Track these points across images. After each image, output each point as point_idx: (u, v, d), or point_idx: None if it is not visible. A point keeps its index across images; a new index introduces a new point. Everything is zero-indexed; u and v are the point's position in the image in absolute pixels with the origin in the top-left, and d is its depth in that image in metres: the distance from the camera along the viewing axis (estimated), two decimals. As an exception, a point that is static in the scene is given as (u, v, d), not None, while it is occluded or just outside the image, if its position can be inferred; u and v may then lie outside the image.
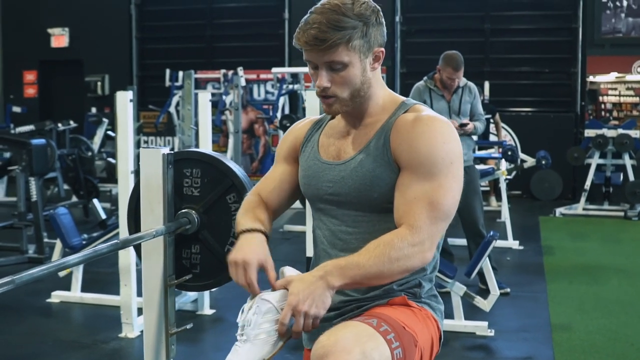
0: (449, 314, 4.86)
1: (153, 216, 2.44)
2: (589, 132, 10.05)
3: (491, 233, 4.87)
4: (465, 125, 5.55)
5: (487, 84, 11.57)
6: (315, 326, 1.87)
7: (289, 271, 2.01)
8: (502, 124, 10.76)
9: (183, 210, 2.53)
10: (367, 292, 2.05)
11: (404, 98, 2.12)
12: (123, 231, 4.72)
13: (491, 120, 10.27)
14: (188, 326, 2.51)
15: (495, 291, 4.83)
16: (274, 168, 2.30)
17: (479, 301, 4.84)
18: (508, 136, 11.43)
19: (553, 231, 8.65)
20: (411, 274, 2.04)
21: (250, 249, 2.04)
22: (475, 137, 6.08)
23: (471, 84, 5.78)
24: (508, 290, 5.66)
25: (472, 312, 4.98)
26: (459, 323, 4.83)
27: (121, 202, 4.66)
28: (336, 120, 2.18)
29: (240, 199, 2.48)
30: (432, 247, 1.91)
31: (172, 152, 2.51)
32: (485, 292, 5.27)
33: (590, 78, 11.95)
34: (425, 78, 5.71)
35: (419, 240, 1.88)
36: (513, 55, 11.95)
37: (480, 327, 4.80)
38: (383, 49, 2.04)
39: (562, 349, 4.47)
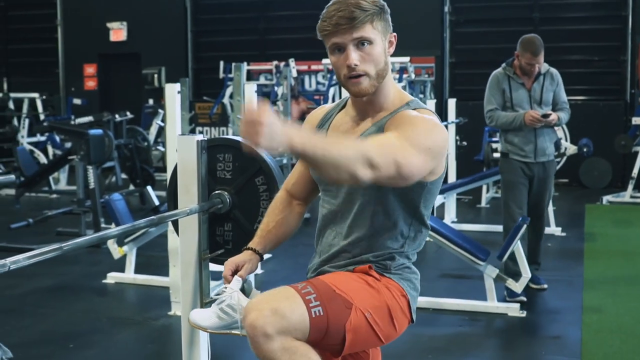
0: (483, 296, 5.07)
1: (188, 196, 2.70)
2: (637, 120, 10.05)
3: (521, 218, 5.03)
4: (547, 116, 5.15)
5: (535, 73, 11.64)
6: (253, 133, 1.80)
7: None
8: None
9: (216, 192, 2.79)
10: (347, 260, 2.32)
11: (412, 98, 2.32)
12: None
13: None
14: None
15: (526, 273, 4.99)
16: (298, 160, 2.56)
17: (510, 283, 5.01)
18: (557, 124, 11.44)
19: (598, 219, 8.71)
20: (387, 248, 2.28)
21: (237, 257, 2.49)
22: (557, 128, 5.78)
23: (554, 70, 5.39)
24: (545, 286, 5.49)
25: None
26: (492, 304, 5.01)
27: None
28: (345, 111, 2.40)
29: (268, 181, 2.75)
30: (374, 170, 1.94)
31: (206, 139, 2.77)
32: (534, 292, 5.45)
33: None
34: (503, 65, 5.38)
35: (370, 155, 1.94)
36: (562, 44, 11.94)
37: (512, 309, 4.97)
38: (395, 34, 2.28)
39: (590, 330, 4.63)
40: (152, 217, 2.41)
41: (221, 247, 2.83)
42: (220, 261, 2.88)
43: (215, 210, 2.77)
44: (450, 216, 8.12)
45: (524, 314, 4.95)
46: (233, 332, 2.38)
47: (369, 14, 2.17)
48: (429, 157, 2.10)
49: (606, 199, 9.89)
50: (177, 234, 2.83)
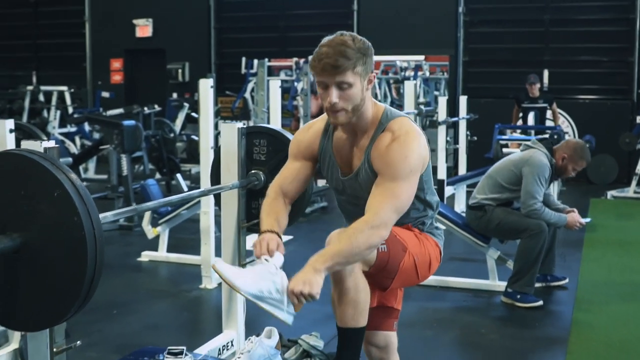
0: (486, 276, 5.56)
1: (230, 174, 3.23)
2: (640, 119, 10.51)
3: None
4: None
5: (546, 72, 12.15)
6: (309, 301, 2.43)
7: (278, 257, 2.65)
8: (561, 111, 11.29)
9: (253, 171, 3.32)
10: None
11: (382, 110, 2.73)
12: (204, 200, 5.56)
13: (548, 108, 10.84)
14: (251, 259, 3.28)
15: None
16: (290, 164, 2.91)
17: (510, 264, 5.49)
18: (566, 122, 11.90)
19: (601, 212, 9.16)
20: (418, 216, 2.80)
21: (263, 237, 2.70)
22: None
23: None
24: (566, 280, 5.68)
25: (506, 273, 5.63)
26: (494, 283, 5.52)
27: (202, 172, 5.47)
28: (339, 132, 2.82)
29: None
30: (388, 228, 2.54)
31: (245, 126, 3.30)
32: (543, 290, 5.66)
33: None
34: (549, 156, 5.27)
35: (377, 223, 2.51)
36: (572, 45, 12.40)
37: (512, 287, 5.47)
38: (374, 74, 2.71)
39: (581, 307, 5.12)
40: (204, 189, 2.93)
41: (256, 218, 3.35)
42: (255, 230, 3.42)
43: (251, 187, 3.30)
44: (460, 207, 8.58)
45: (522, 292, 5.43)
46: (264, 306, 2.49)
47: (351, 63, 2.54)
48: (414, 176, 2.61)
49: (610, 193, 10.35)
50: (219, 207, 3.35)
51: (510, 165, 5.37)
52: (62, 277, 1.96)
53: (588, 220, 5.50)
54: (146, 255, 6.47)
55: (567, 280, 5.66)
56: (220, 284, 5.56)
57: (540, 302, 5.16)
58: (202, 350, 3.11)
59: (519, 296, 5.16)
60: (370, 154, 2.68)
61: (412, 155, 2.61)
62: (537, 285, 5.44)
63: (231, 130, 3.25)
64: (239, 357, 2.68)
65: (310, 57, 2.64)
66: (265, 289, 2.48)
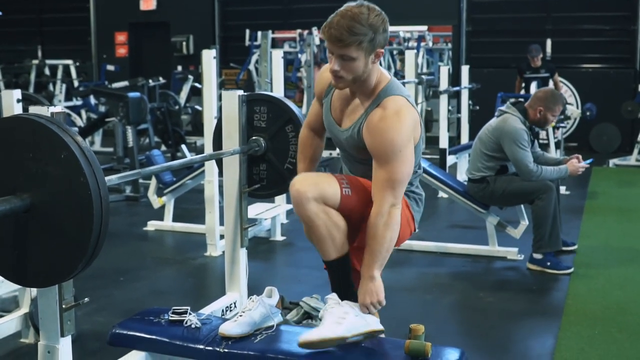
0: (485, 241, 5.66)
1: (231, 140, 3.32)
2: (644, 87, 10.55)
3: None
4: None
5: (549, 42, 12.16)
6: (378, 308, 2.73)
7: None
8: (564, 80, 11.33)
9: (253, 138, 3.41)
10: None
11: (382, 86, 2.79)
12: (208, 169, 5.66)
13: (550, 78, 10.86)
14: (254, 226, 3.39)
15: (524, 221, 5.57)
16: (314, 103, 3.08)
17: (510, 230, 5.59)
18: (569, 91, 11.92)
19: (603, 179, 9.24)
20: None
21: None
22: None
23: None
24: (575, 247, 5.78)
25: (505, 239, 5.73)
26: (493, 248, 5.61)
27: (206, 142, 5.55)
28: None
29: (296, 129, 3.36)
30: (398, 204, 2.71)
31: (245, 94, 3.38)
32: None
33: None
34: (522, 119, 5.32)
35: (386, 209, 2.68)
36: (574, 14, 12.40)
37: (511, 252, 5.57)
38: (383, 50, 2.75)
39: (579, 271, 5.21)
40: (205, 154, 3.02)
41: (257, 183, 3.45)
42: (256, 195, 3.52)
43: (252, 153, 3.40)
44: (462, 176, 8.66)
45: (521, 257, 5.52)
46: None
47: (356, 39, 2.59)
48: (405, 152, 2.69)
49: (613, 162, 10.41)
50: (221, 173, 3.45)
51: (488, 134, 5.45)
52: (70, 235, 2.07)
53: (590, 161, 5.54)
54: (152, 225, 6.58)
55: (576, 247, 5.71)
56: (224, 252, 5.68)
57: (572, 269, 5.22)
58: (206, 310, 3.21)
59: (549, 263, 5.23)
60: (362, 127, 2.77)
61: (397, 137, 2.67)
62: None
63: (232, 98, 3.33)
64: (240, 315, 2.78)
65: (314, 28, 2.73)
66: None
